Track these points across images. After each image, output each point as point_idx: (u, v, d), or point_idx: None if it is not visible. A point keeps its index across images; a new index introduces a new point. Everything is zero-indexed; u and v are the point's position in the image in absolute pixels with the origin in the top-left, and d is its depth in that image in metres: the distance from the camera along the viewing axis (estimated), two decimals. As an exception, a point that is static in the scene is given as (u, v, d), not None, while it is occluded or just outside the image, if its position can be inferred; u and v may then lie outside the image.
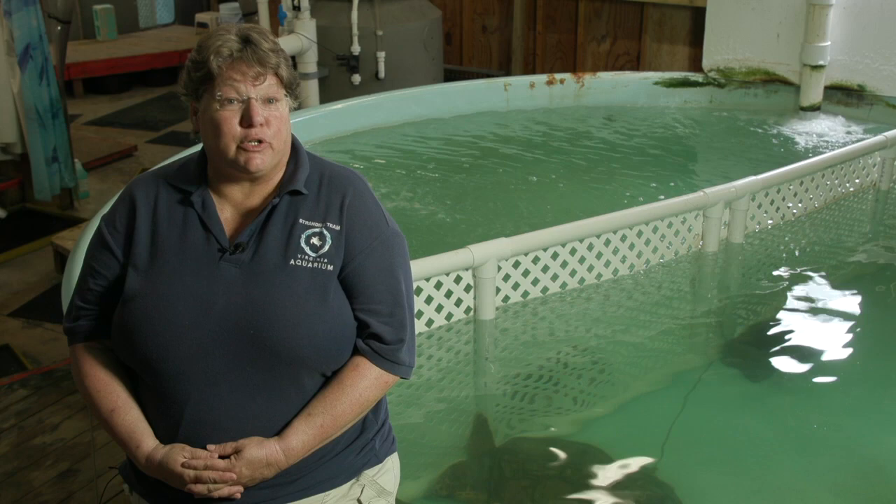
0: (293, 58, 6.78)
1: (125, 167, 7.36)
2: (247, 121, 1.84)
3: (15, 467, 3.80)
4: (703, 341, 3.97)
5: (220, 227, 1.89)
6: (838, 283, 4.34)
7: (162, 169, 2.01)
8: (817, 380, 3.62)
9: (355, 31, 7.07)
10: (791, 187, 4.78)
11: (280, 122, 1.88)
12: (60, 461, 3.82)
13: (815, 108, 6.67)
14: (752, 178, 4.50)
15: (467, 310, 3.81)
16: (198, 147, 2.05)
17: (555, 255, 3.99)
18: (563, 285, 4.05)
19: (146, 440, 1.85)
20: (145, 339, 1.83)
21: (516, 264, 3.88)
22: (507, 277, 3.88)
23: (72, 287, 2.01)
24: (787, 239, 4.71)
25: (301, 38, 6.82)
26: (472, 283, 3.77)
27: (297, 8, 6.81)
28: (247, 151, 1.84)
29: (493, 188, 5.51)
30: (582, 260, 4.08)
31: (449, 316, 3.77)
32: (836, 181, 5.05)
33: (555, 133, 6.43)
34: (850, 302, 4.18)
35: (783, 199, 4.76)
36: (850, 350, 3.79)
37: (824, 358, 3.72)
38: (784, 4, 6.62)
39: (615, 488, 2.94)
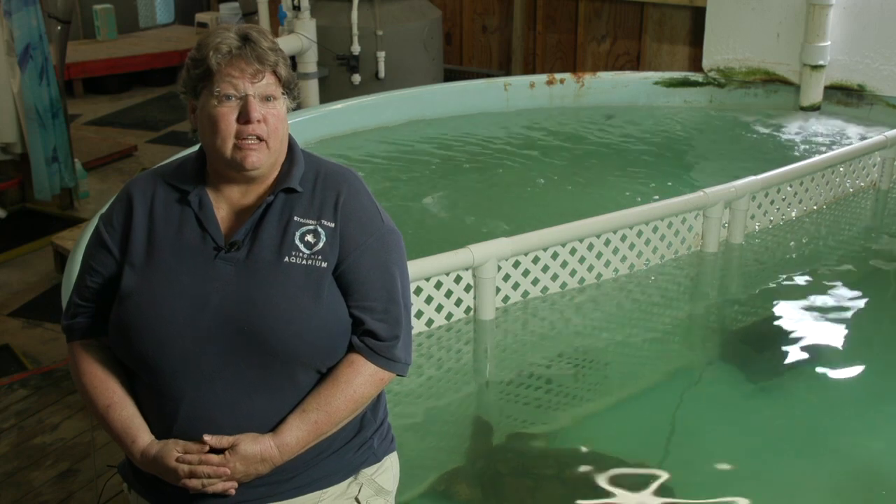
0: (293, 58, 6.79)
1: (125, 167, 7.36)
2: (244, 117, 1.85)
3: (15, 467, 3.80)
4: (703, 341, 3.97)
5: (216, 225, 1.90)
6: (838, 284, 4.33)
7: (160, 168, 2.03)
8: (817, 380, 3.62)
9: (355, 31, 7.07)
10: (791, 187, 4.78)
11: (277, 121, 1.89)
12: (60, 461, 3.82)
13: (815, 108, 6.67)
14: (752, 178, 4.50)
15: (467, 310, 3.81)
16: (196, 147, 2.06)
17: (555, 255, 3.99)
18: (563, 285, 4.05)
19: (141, 436, 1.86)
20: (140, 337, 1.84)
21: (516, 264, 3.87)
22: (507, 277, 3.87)
23: (71, 286, 2.02)
24: (787, 239, 4.71)
25: (301, 38, 6.82)
26: (472, 283, 3.77)
27: (297, 8, 6.81)
28: (243, 149, 1.85)
29: (492, 188, 5.52)
30: (582, 260, 4.07)
31: (449, 316, 3.77)
32: (836, 181, 5.04)
33: (555, 133, 6.43)
34: (849, 302, 4.18)
35: (783, 199, 4.76)
36: (849, 350, 3.78)
37: (824, 358, 3.72)
38: (784, 4, 6.62)
39: (615, 488, 2.93)
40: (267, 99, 1.87)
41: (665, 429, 3.25)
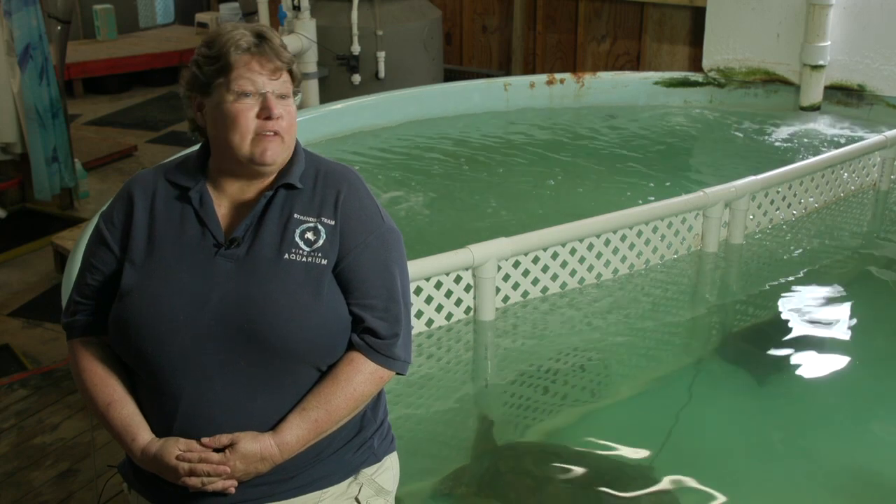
0: (293, 58, 6.78)
1: (125, 167, 7.36)
2: (265, 113, 1.86)
3: (15, 467, 3.80)
4: (703, 341, 3.97)
5: (216, 222, 1.90)
6: (838, 284, 4.34)
7: (161, 165, 2.03)
8: (817, 380, 3.62)
9: (355, 31, 7.07)
10: (791, 187, 4.78)
11: (291, 118, 1.91)
12: (60, 461, 3.82)
13: (815, 108, 6.67)
14: (752, 178, 4.50)
15: (467, 310, 3.81)
16: (195, 147, 2.06)
17: (555, 255, 3.99)
18: (563, 285, 4.05)
19: (142, 433, 1.86)
20: (140, 334, 1.84)
21: (516, 264, 3.88)
22: (507, 277, 3.88)
23: (71, 286, 2.02)
24: (786, 239, 4.71)
25: (301, 38, 6.82)
26: (472, 283, 3.77)
27: (297, 8, 6.81)
28: (262, 142, 1.86)
29: (493, 188, 5.51)
30: (582, 260, 4.08)
31: (449, 316, 3.77)
32: (836, 181, 5.04)
33: (555, 133, 6.43)
34: (849, 302, 4.18)
35: (783, 199, 4.76)
36: (849, 350, 3.78)
37: (824, 358, 3.72)
38: (784, 4, 6.62)
39: (615, 487, 2.93)
40: (282, 97, 1.89)
41: (665, 428, 3.25)
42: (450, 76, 8.25)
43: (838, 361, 3.70)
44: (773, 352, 3.78)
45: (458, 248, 3.68)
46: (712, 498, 2.96)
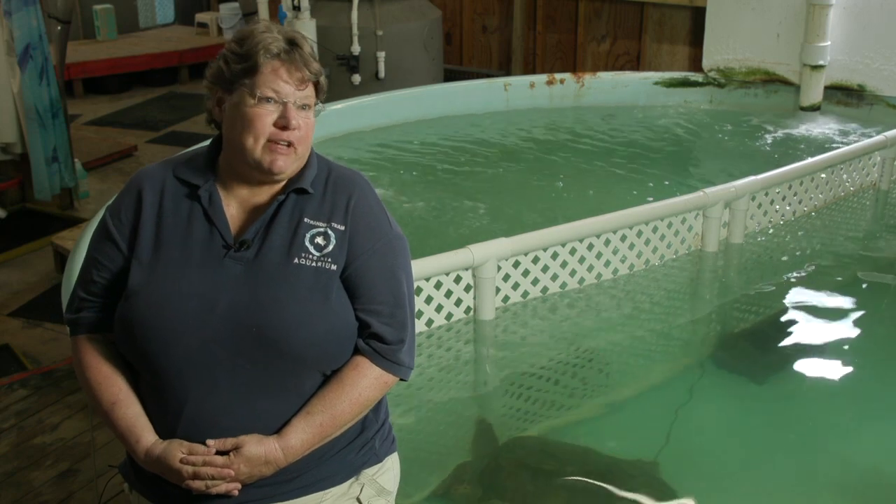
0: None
1: (125, 167, 7.36)
2: (283, 122, 1.84)
3: (15, 467, 3.80)
4: (703, 341, 3.97)
5: (225, 223, 1.88)
6: (838, 284, 4.34)
7: (169, 160, 2.00)
8: (817, 380, 3.62)
9: (355, 31, 7.07)
10: (791, 187, 4.78)
11: (308, 129, 1.89)
12: (60, 461, 3.82)
13: (815, 108, 6.68)
14: (752, 178, 4.50)
15: (467, 310, 3.81)
16: (205, 143, 2.05)
17: (555, 255, 3.99)
18: (563, 285, 4.05)
19: (146, 435, 1.85)
20: (146, 336, 1.82)
21: (516, 264, 3.88)
22: (507, 277, 3.87)
23: (72, 286, 2.00)
24: (786, 239, 4.71)
25: (301, 38, 6.81)
26: (472, 283, 3.77)
27: (297, 8, 6.81)
28: (273, 152, 1.85)
29: (493, 188, 5.52)
30: (582, 260, 4.08)
31: (449, 316, 3.77)
32: (836, 181, 5.05)
33: (555, 133, 6.43)
34: (849, 302, 4.18)
35: (783, 199, 4.76)
36: (849, 350, 3.79)
37: (824, 358, 3.72)
38: (784, 4, 6.62)
39: (615, 487, 2.93)
40: (304, 107, 1.87)
41: (665, 428, 3.25)
42: (450, 76, 8.25)
43: (838, 362, 3.71)
44: (773, 351, 3.78)
45: (458, 248, 3.68)
46: (712, 497, 2.97)
